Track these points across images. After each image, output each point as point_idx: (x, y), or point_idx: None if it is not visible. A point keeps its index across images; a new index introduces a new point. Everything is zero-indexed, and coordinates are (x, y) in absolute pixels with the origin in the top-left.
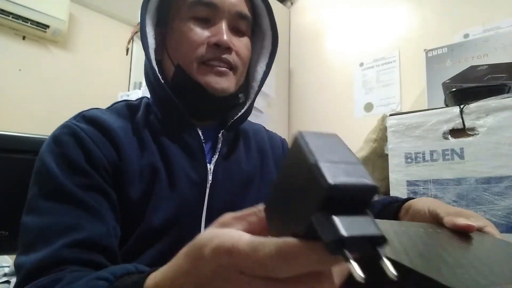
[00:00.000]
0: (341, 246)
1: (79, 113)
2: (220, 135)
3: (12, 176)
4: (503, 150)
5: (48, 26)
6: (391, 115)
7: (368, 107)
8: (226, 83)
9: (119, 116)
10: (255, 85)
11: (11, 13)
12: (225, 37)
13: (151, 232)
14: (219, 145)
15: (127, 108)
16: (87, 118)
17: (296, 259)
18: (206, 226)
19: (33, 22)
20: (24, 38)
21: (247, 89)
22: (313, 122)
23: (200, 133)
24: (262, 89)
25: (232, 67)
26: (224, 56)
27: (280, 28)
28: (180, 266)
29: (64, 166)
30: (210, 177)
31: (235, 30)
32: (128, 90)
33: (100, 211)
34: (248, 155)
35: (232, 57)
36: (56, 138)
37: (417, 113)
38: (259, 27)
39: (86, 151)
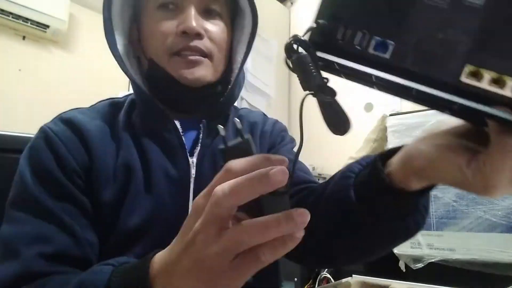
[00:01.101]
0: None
1: (58, 115)
2: (201, 125)
3: (12, 177)
4: None
5: (48, 26)
6: (391, 115)
7: (368, 107)
8: (200, 71)
9: (98, 115)
10: (236, 67)
11: (11, 13)
12: (192, 23)
13: (127, 235)
14: (201, 136)
15: (110, 106)
16: (63, 119)
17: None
18: None
19: (33, 22)
20: (24, 38)
21: (230, 74)
22: (313, 122)
23: (179, 125)
24: (263, 89)
25: (206, 54)
26: (194, 44)
27: (280, 28)
28: (175, 242)
29: (36, 174)
30: (193, 171)
31: (207, 12)
32: (128, 90)
33: (70, 222)
34: None
35: (204, 44)
36: (32, 143)
37: (417, 113)
38: (237, 5)
39: (57, 156)
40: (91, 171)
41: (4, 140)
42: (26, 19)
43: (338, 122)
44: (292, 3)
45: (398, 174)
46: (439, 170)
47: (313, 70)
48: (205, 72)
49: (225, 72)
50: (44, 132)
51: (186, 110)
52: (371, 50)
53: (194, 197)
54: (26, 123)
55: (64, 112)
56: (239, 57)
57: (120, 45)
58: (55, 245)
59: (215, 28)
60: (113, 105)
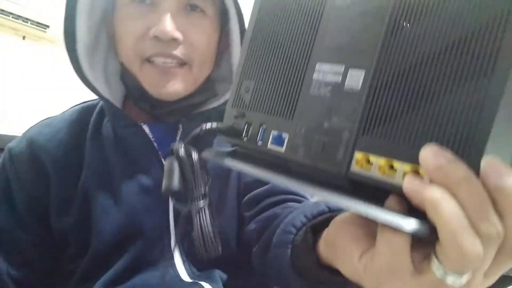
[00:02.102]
0: None
1: (26, 130)
2: (180, 125)
3: None
4: None
5: (48, 26)
6: None
7: None
8: (174, 85)
9: (65, 125)
10: (224, 73)
11: (11, 13)
12: (166, 26)
13: (102, 253)
14: (178, 138)
15: (80, 113)
16: (28, 139)
17: None
18: (178, 239)
19: (33, 22)
20: (24, 38)
21: (216, 84)
22: None
23: (148, 130)
24: None
25: (184, 62)
26: (168, 51)
27: None
28: None
29: None
30: None
31: (189, 9)
32: None
33: (9, 248)
34: (220, 137)
35: (181, 50)
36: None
37: None
38: (223, 5)
39: (8, 189)
40: (47, 198)
41: (4, 140)
42: (26, 19)
43: (200, 242)
44: None
45: (321, 247)
46: (337, 258)
47: (174, 175)
48: (180, 85)
49: (208, 80)
50: (7, 152)
51: (161, 120)
52: (269, 145)
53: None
54: (26, 123)
55: (32, 127)
56: (233, 60)
57: (81, 44)
58: None
59: (197, 28)
60: (84, 111)
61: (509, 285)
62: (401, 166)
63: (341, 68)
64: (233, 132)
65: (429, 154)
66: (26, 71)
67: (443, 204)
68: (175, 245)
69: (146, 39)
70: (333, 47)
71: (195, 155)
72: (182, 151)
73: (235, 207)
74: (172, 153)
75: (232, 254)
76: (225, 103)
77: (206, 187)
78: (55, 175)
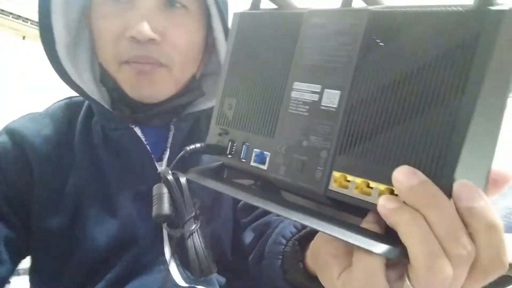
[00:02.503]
0: None
1: (6, 125)
2: (172, 125)
3: None
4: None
5: None
6: None
7: None
8: (153, 87)
9: (51, 122)
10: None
11: (11, 13)
12: (143, 26)
13: (93, 262)
14: (170, 140)
15: (66, 110)
16: (9, 130)
17: None
18: (171, 244)
19: (33, 22)
20: (24, 38)
21: (203, 82)
22: None
23: (140, 133)
24: None
25: (163, 64)
26: (146, 53)
27: None
28: None
29: None
30: None
31: (169, 4)
32: None
33: None
34: None
35: (161, 51)
36: None
37: None
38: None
39: None
40: (30, 195)
41: None
42: (26, 19)
43: (196, 265)
44: None
45: (308, 259)
46: (320, 273)
47: (165, 201)
48: (161, 86)
49: (193, 79)
50: None
51: (144, 124)
52: (252, 163)
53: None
54: None
55: (14, 121)
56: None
57: (60, 44)
58: None
59: (178, 27)
60: (70, 107)
61: (509, 284)
62: (376, 186)
63: (317, 88)
64: (217, 150)
65: (401, 175)
66: (26, 71)
67: (412, 228)
68: (170, 258)
69: (123, 39)
70: (310, 66)
71: (182, 179)
72: (170, 176)
73: (230, 211)
74: (160, 178)
75: (227, 258)
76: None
77: (196, 209)
78: (41, 172)
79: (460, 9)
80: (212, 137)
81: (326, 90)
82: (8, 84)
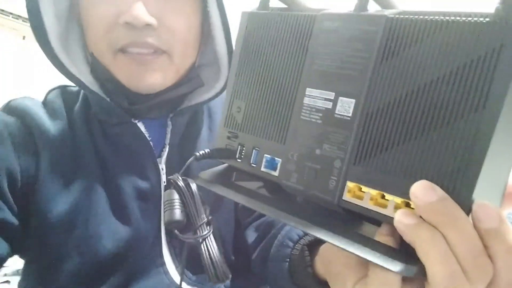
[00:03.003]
0: None
1: (7, 102)
2: (169, 121)
3: None
4: None
5: None
6: None
7: None
8: (154, 76)
9: (53, 111)
10: (224, 70)
11: (11, 13)
12: (137, 10)
13: (100, 263)
14: (168, 136)
15: (62, 98)
16: (12, 108)
17: None
18: (170, 245)
19: None
20: (24, 38)
21: (202, 72)
22: None
23: (143, 128)
24: None
25: (162, 51)
26: (143, 39)
27: None
28: None
29: None
30: (164, 178)
31: None
32: None
33: None
34: (211, 130)
35: (158, 37)
36: None
37: None
38: None
39: None
40: (34, 183)
41: None
42: (26, 19)
43: (211, 271)
44: None
45: (317, 264)
46: (331, 281)
47: (177, 207)
48: (160, 75)
49: (193, 68)
50: None
51: (142, 116)
52: (263, 168)
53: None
54: None
55: (14, 99)
56: (220, 49)
57: (53, 34)
58: None
59: (175, 12)
60: (65, 96)
61: None
62: (392, 199)
63: (331, 95)
64: (226, 154)
65: (420, 190)
66: (26, 71)
67: (431, 247)
68: (182, 273)
69: (117, 26)
70: (323, 72)
71: (193, 185)
72: (181, 182)
73: (232, 210)
74: (171, 184)
75: (229, 258)
76: (215, 96)
77: (208, 214)
78: (48, 160)
79: (482, 19)
80: (221, 140)
81: (340, 98)
82: (8, 84)
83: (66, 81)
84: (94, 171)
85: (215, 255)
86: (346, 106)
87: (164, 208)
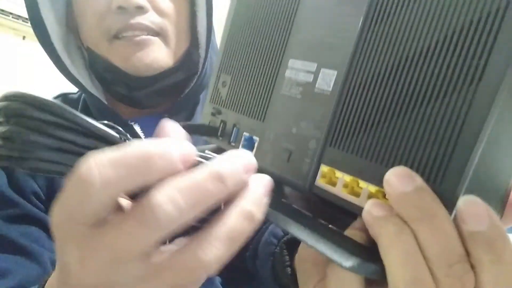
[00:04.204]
0: None
1: None
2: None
3: None
4: None
5: None
6: None
7: None
8: (151, 54)
9: None
10: (202, 52)
11: (11, 13)
12: None
13: None
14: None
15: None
16: None
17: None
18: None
19: None
20: (24, 38)
21: (193, 57)
22: None
23: (139, 129)
24: None
25: (156, 32)
26: (136, 21)
27: None
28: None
29: None
30: None
31: None
32: None
33: (31, 246)
34: None
35: (150, 19)
36: None
37: None
38: None
39: (11, 176)
40: (53, 193)
41: None
42: (26, 19)
43: None
44: None
45: (295, 263)
46: (299, 282)
47: None
48: (157, 54)
49: (188, 52)
50: None
51: (143, 106)
52: (240, 148)
53: None
54: None
55: None
56: (201, 37)
57: (55, 35)
58: (17, 277)
59: None
60: (65, 103)
61: None
62: (366, 187)
63: (313, 66)
64: (206, 130)
65: (395, 177)
66: (26, 71)
67: (395, 243)
68: None
69: (109, 13)
70: (307, 41)
71: None
72: None
73: None
74: None
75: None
76: (198, 80)
77: None
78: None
79: None
80: (205, 117)
81: (322, 69)
82: (8, 84)
83: (64, 86)
84: None
85: None
86: (327, 79)
87: None
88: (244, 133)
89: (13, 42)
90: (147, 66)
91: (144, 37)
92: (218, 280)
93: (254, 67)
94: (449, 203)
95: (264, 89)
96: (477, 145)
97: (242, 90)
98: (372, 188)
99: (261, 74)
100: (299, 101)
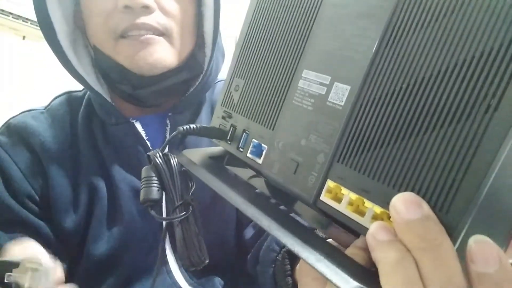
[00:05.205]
0: None
1: (6, 122)
2: (167, 121)
3: None
4: None
5: None
6: None
7: None
8: (156, 54)
9: (54, 120)
10: (207, 51)
11: (11, 13)
12: None
13: (95, 265)
14: (167, 134)
15: (67, 105)
16: (12, 128)
17: None
18: (172, 242)
19: (33, 22)
20: (24, 38)
21: (198, 58)
22: None
23: (140, 128)
24: None
25: (161, 32)
26: (142, 20)
27: None
28: None
29: None
30: None
31: None
32: None
33: None
34: None
35: (155, 19)
36: None
37: None
38: None
39: (6, 178)
40: (47, 196)
41: None
42: (26, 19)
43: (184, 254)
44: None
45: (296, 273)
46: None
47: (154, 184)
48: (162, 54)
49: (193, 54)
50: None
51: (147, 105)
52: (249, 154)
53: (167, 212)
54: None
55: (14, 117)
56: (207, 37)
57: (62, 34)
58: None
59: None
60: (70, 102)
61: None
62: (372, 207)
63: (327, 79)
64: (216, 133)
65: (402, 204)
66: (26, 71)
67: (395, 271)
68: (175, 258)
69: (115, 13)
70: (323, 52)
71: (174, 161)
72: (158, 159)
73: (233, 209)
74: (149, 161)
75: (231, 258)
76: (203, 79)
77: (190, 194)
78: (54, 170)
79: None
80: (216, 120)
81: (335, 83)
82: (8, 84)
83: (64, 85)
84: (96, 175)
85: (190, 238)
86: (339, 94)
87: (141, 185)
88: (253, 140)
89: (13, 42)
90: (151, 66)
91: (148, 36)
92: (219, 282)
93: (268, 74)
94: (454, 233)
95: (276, 97)
96: (487, 176)
97: (254, 96)
98: (378, 209)
99: (275, 81)
100: (310, 113)
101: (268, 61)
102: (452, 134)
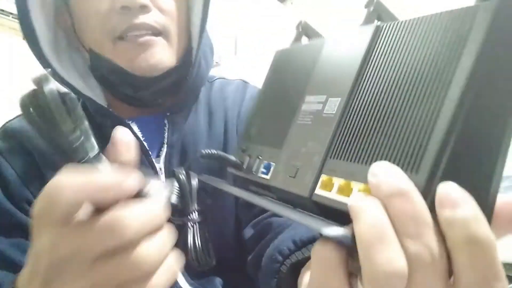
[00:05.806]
0: None
1: (2, 126)
2: (165, 120)
3: None
4: None
5: None
6: None
7: None
8: (155, 56)
9: None
10: (195, 45)
11: (11, 13)
12: None
13: None
14: (166, 134)
15: None
16: (8, 133)
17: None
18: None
19: None
20: (24, 38)
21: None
22: None
23: (136, 128)
24: None
25: (159, 32)
26: (140, 21)
27: (280, 28)
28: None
29: None
30: (162, 179)
31: None
32: None
33: (20, 260)
34: (211, 127)
35: (153, 18)
36: None
37: None
38: None
39: (3, 183)
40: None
41: None
42: None
43: (192, 255)
44: (292, 3)
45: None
46: None
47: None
48: (162, 55)
49: (187, 51)
50: None
51: (147, 105)
52: (259, 174)
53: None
54: None
55: (10, 122)
56: (195, 31)
57: (44, 38)
58: None
59: None
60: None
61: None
62: (356, 186)
63: (323, 98)
64: (233, 164)
65: (375, 168)
66: (26, 71)
67: (363, 213)
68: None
69: (112, 14)
70: (321, 81)
71: (194, 181)
72: (182, 176)
73: (233, 209)
74: (175, 176)
75: (231, 258)
76: (196, 73)
77: (204, 206)
78: (51, 175)
79: (459, 8)
80: (236, 152)
81: (330, 99)
82: (8, 84)
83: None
84: None
85: (200, 240)
86: (332, 105)
87: None
88: (264, 161)
89: (13, 42)
90: (153, 67)
91: (147, 37)
92: (219, 282)
93: (279, 109)
94: (424, 191)
95: (285, 123)
96: (446, 135)
97: (267, 127)
98: (362, 186)
99: (284, 112)
100: (310, 126)
101: (280, 100)
102: (418, 112)
